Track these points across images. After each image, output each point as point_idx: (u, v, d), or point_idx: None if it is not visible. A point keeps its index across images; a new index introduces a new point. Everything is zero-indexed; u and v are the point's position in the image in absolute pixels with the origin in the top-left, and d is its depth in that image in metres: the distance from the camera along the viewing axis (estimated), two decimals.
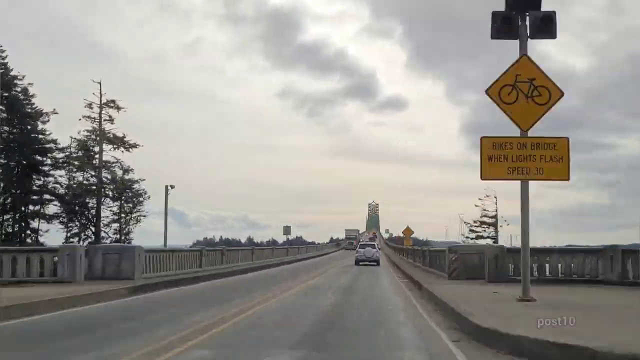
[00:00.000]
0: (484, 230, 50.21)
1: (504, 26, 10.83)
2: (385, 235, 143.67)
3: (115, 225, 38.98)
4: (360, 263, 36.50)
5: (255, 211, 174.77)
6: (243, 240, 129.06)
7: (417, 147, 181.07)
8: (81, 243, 33.48)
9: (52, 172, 36.63)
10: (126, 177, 38.52)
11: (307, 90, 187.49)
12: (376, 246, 41.43)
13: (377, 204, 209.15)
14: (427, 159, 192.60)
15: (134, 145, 37.54)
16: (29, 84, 34.54)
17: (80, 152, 37.31)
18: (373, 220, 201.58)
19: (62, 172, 37.17)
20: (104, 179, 37.50)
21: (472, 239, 49.50)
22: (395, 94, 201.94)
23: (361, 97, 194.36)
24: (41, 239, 35.24)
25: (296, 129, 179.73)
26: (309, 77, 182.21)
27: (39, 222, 36.18)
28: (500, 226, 48.82)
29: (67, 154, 37.09)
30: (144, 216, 39.86)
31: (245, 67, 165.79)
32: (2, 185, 34.67)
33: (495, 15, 10.79)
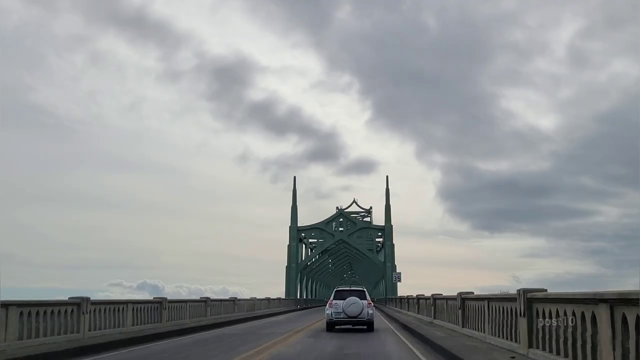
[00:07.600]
0: None
1: None
2: None
3: None
4: (337, 327, 22.42)
5: (233, 283, 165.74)
6: None
7: (393, 213, 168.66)
8: None
9: None
10: None
11: (266, 154, 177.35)
12: (366, 296, 23.16)
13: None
14: (404, 226, 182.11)
15: None
16: None
17: None
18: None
19: None
20: None
21: None
22: (363, 156, 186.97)
23: (325, 160, 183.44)
24: None
25: (262, 196, 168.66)
26: (266, 139, 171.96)
27: None
28: None
29: None
30: None
31: (195, 130, 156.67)
32: None
33: None
